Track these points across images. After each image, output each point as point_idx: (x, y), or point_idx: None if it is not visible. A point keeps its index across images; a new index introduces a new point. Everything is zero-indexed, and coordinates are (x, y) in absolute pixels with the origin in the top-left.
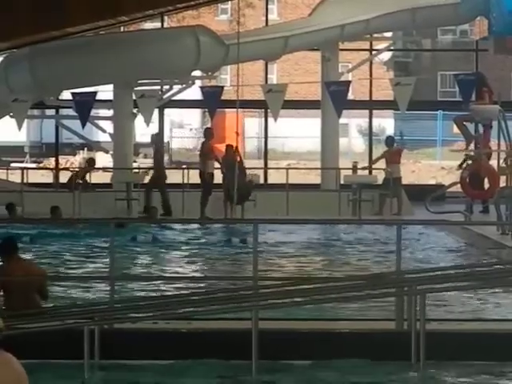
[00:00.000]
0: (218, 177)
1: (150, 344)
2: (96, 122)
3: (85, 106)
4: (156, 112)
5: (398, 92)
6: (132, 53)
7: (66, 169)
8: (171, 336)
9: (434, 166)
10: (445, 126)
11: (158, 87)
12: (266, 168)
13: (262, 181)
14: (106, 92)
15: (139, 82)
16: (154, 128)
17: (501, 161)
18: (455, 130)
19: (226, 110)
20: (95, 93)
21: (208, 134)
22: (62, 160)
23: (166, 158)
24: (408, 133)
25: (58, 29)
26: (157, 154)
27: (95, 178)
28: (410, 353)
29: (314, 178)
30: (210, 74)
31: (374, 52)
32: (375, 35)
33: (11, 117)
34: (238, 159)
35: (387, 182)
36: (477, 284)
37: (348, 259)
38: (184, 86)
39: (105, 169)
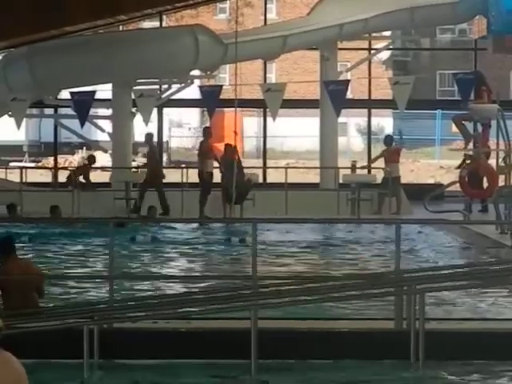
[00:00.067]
0: (217, 176)
1: (150, 343)
2: (95, 121)
3: (83, 105)
4: (155, 111)
5: (397, 91)
6: (131, 52)
7: (65, 168)
8: (171, 335)
9: (433, 165)
10: (443, 125)
11: (157, 86)
12: (264, 167)
13: (260, 180)
14: (104, 91)
15: (138, 81)
16: (153, 127)
17: (499, 160)
18: (454, 129)
19: (225, 109)
20: (94, 92)
21: (207, 133)
22: (61, 159)
23: (164, 157)
24: (407, 132)
25: (58, 28)
26: (150, 153)
27: (94, 177)
28: (409, 352)
29: (313, 177)
30: (208, 73)
31: (372, 51)
32: (374, 34)
33: (10, 116)
34: (236, 158)
35: (386, 181)
36: (476, 283)
37: (347, 258)
38: (183, 85)
39: (104, 168)
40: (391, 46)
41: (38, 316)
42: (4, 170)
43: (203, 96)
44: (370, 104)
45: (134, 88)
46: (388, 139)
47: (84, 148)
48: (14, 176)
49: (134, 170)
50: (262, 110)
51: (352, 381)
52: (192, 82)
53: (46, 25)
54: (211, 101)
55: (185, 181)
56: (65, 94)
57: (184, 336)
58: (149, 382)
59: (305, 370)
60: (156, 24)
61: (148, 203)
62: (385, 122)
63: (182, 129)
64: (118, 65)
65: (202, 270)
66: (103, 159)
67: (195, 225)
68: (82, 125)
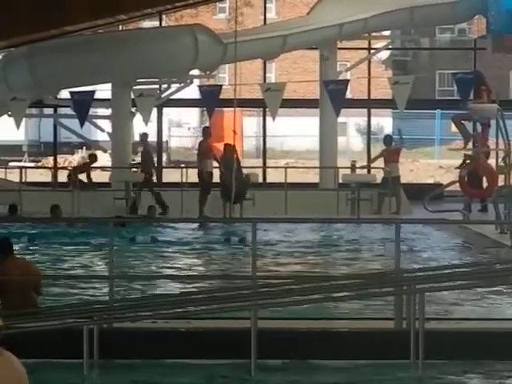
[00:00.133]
0: (217, 176)
1: (149, 343)
2: (94, 121)
3: (83, 105)
4: (154, 111)
5: (397, 91)
6: (130, 52)
7: (65, 168)
8: (170, 335)
9: (433, 164)
10: (443, 125)
11: (157, 86)
12: (264, 167)
13: (260, 180)
14: (104, 91)
15: (137, 80)
16: (152, 127)
17: (499, 159)
18: (453, 128)
19: (225, 109)
20: (93, 92)
21: (206, 133)
22: (61, 159)
23: (164, 157)
24: (406, 132)
25: (58, 28)
26: (145, 152)
27: (94, 176)
28: (408, 352)
29: (313, 176)
30: (208, 72)
31: (372, 51)
32: (373, 34)
33: (9, 115)
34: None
35: (386, 181)
36: (476, 283)
37: (347, 258)
38: (182, 84)
39: (103, 168)
40: (391, 46)
41: (37, 316)
42: (3, 169)
43: (203, 96)
44: (369, 104)
45: (134, 88)
46: (387, 139)
47: (84, 148)
48: (13, 176)
49: (135, 169)
50: (261, 109)
51: (352, 381)
52: (191, 82)
53: (46, 24)
54: (211, 100)
55: (184, 181)
56: (64, 94)
57: (184, 336)
58: (148, 381)
59: (304, 370)
60: (156, 24)
61: (148, 203)
62: (384, 122)
63: (182, 128)
64: (117, 64)
65: (201, 269)
66: (103, 159)
67: (195, 224)
68: (82, 124)
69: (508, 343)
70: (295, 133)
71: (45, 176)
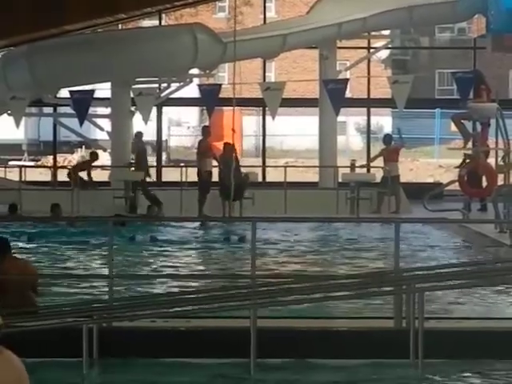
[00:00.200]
0: (216, 175)
1: (149, 342)
2: (94, 120)
3: (83, 104)
4: (154, 110)
5: (396, 90)
6: (130, 51)
7: (64, 167)
8: (170, 334)
9: (432, 164)
10: (443, 124)
11: (156, 85)
12: (264, 166)
13: (260, 179)
14: (103, 90)
15: (137, 79)
16: (152, 126)
17: (499, 159)
18: (453, 128)
19: (224, 108)
20: (93, 91)
21: (206, 132)
22: (60, 158)
23: (164, 156)
24: (406, 131)
25: (58, 27)
26: (140, 151)
27: (93, 176)
28: (408, 351)
29: (312, 176)
30: (207, 71)
31: (371, 50)
32: (373, 33)
33: (9, 115)
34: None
35: (385, 180)
36: (475, 282)
37: (346, 257)
38: (182, 84)
39: (103, 167)
40: (390, 45)
41: (37, 315)
42: (3, 168)
43: (202, 95)
44: (369, 103)
45: (133, 87)
46: (387, 138)
47: (83, 147)
48: (13, 175)
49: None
50: (261, 108)
51: (351, 380)
52: (191, 81)
53: (46, 24)
54: (210, 99)
55: (184, 180)
56: (64, 93)
57: (183, 335)
58: (148, 380)
59: (304, 369)
60: (155, 23)
61: (147, 202)
62: (384, 121)
63: (181, 127)
64: (117, 63)
65: (201, 268)
66: (102, 158)
67: (194, 224)
68: (81, 123)
69: (508, 342)
70: (295, 132)
71: (44, 175)
